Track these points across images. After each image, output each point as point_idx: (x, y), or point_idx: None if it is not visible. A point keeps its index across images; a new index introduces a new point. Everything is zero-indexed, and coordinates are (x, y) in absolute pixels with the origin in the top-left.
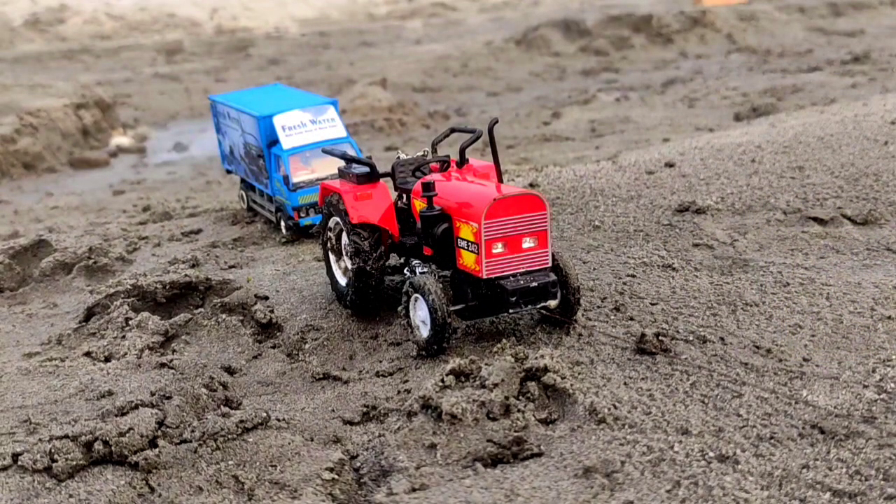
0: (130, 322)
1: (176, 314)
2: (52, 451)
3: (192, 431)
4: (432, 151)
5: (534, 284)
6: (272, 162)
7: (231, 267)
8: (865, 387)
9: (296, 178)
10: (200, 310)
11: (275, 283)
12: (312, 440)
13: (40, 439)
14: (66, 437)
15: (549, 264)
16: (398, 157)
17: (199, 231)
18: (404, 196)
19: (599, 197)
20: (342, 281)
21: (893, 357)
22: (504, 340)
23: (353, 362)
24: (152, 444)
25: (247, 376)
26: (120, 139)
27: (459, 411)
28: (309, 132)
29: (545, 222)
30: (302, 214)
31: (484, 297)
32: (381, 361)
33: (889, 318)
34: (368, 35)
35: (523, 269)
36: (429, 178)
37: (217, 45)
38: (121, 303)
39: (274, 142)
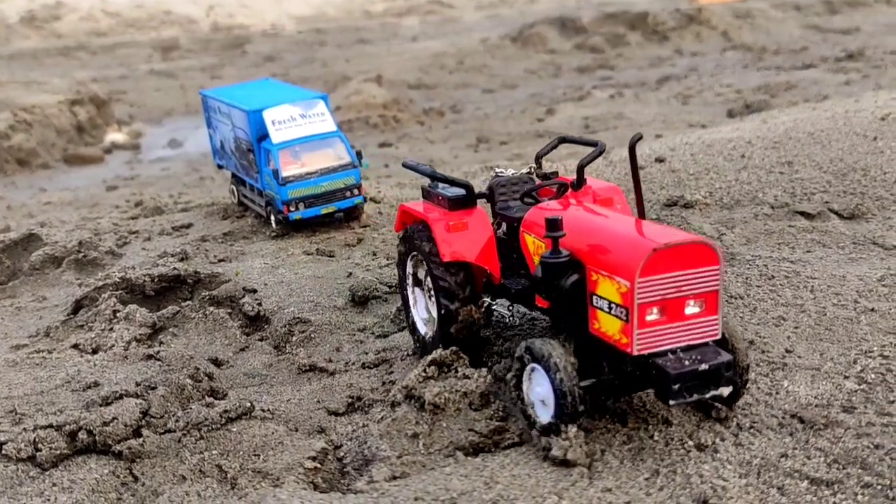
0: (118, 314)
1: (164, 307)
2: (37, 440)
3: (177, 421)
4: (536, 166)
5: (703, 367)
6: (262, 156)
7: (220, 261)
8: (846, 377)
9: (285, 173)
10: (189, 303)
11: (263, 277)
12: (297, 430)
13: (25, 429)
14: (51, 426)
15: (718, 335)
16: (496, 174)
17: (189, 225)
18: (504, 224)
19: None
20: (426, 330)
21: (875, 348)
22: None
23: (340, 354)
24: (136, 433)
25: (233, 368)
26: (115, 135)
27: (441, 401)
28: (299, 126)
29: (717, 280)
30: (291, 209)
31: (627, 374)
32: (367, 353)
33: (872, 310)
34: (365, 32)
35: (685, 343)
36: (546, 206)
37: (213, 43)
38: (109, 295)
39: (264, 136)
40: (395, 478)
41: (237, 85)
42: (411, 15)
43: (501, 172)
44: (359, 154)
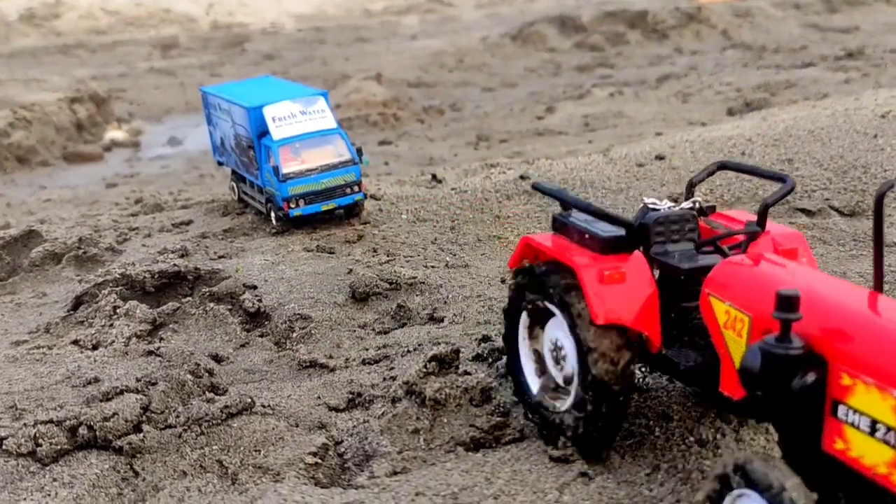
0: (118, 310)
1: (164, 303)
2: (37, 435)
3: (177, 417)
4: (687, 194)
5: None
6: (262, 153)
7: (220, 257)
8: None
9: (286, 169)
10: (189, 299)
11: (264, 273)
12: (297, 426)
13: (25, 424)
14: (51, 421)
15: None
16: (648, 206)
17: (189, 222)
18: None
19: (589, 189)
20: (553, 404)
21: None
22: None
23: (341, 350)
24: (137, 428)
25: (234, 364)
26: (114, 133)
27: (442, 397)
28: (299, 123)
29: None
30: (292, 205)
31: None
32: (367, 350)
33: None
34: (364, 31)
35: None
36: (738, 261)
37: (212, 41)
38: (109, 291)
39: (264, 133)
40: (395, 473)
41: (237, 82)
42: (411, 13)
43: (655, 204)
44: (359, 151)
